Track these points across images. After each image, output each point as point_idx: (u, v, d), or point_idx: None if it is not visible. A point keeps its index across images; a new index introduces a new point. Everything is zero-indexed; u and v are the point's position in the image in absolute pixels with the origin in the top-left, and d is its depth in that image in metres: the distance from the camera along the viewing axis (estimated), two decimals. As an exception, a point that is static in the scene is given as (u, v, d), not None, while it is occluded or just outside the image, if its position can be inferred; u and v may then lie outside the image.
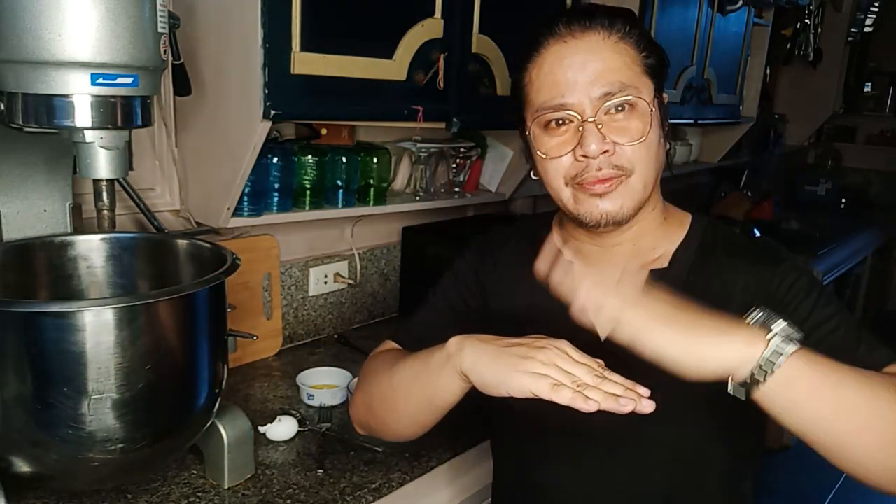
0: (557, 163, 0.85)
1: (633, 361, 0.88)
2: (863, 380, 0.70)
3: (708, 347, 0.69)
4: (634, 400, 0.69)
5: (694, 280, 0.89)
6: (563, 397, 0.70)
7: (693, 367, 0.69)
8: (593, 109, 0.81)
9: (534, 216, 1.09)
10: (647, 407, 0.69)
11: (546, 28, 0.85)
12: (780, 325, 0.69)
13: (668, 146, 0.89)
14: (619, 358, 0.88)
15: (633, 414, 0.69)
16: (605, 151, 0.82)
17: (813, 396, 0.68)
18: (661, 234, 0.92)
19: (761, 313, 0.71)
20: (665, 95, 0.89)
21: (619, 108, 0.82)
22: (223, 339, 1.00)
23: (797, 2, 2.96)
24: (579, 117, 0.82)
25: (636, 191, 0.84)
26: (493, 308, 1.01)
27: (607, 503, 0.93)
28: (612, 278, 0.74)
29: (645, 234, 0.91)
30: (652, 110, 0.84)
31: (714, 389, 0.85)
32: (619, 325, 0.71)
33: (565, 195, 0.87)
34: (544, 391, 0.71)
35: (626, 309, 0.71)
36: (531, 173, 0.93)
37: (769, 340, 0.68)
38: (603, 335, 0.89)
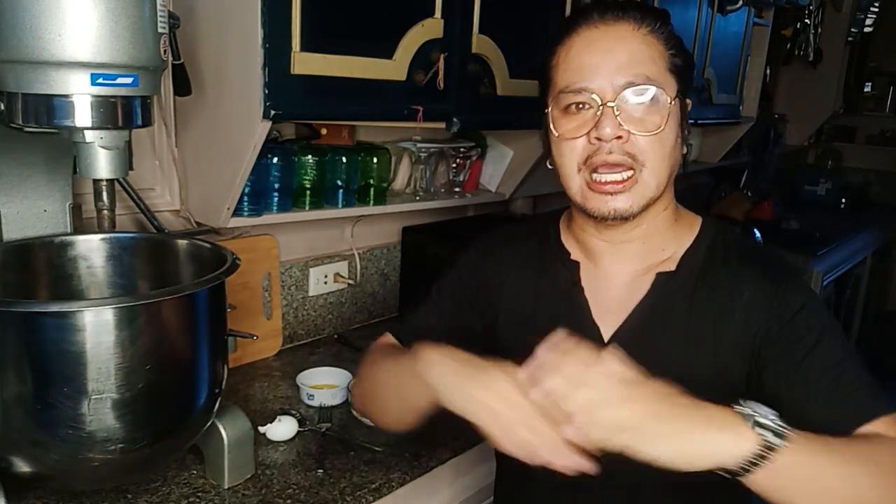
0: (572, 145, 0.85)
1: (638, 360, 0.88)
2: (843, 462, 0.72)
3: (698, 445, 0.70)
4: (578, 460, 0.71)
5: (701, 285, 0.89)
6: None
7: (684, 465, 0.70)
8: (613, 95, 0.82)
9: (541, 215, 1.08)
10: (588, 469, 0.71)
11: (580, 14, 0.86)
12: (768, 421, 0.70)
13: (684, 149, 0.90)
14: (624, 356, 0.88)
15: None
16: (619, 137, 0.82)
17: (794, 482, 0.70)
18: (671, 235, 0.92)
19: (748, 408, 0.71)
20: (688, 101, 0.90)
21: (639, 100, 0.83)
22: (223, 339, 1.00)
23: (797, 2, 2.96)
24: (599, 101, 0.82)
25: (648, 187, 0.85)
26: (495, 308, 1.01)
27: (606, 499, 0.93)
28: (589, 380, 0.72)
29: (654, 234, 0.91)
30: (671, 105, 0.84)
31: (712, 387, 0.86)
32: (612, 436, 0.70)
33: (576, 183, 0.87)
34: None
35: (617, 409, 0.71)
36: (547, 162, 0.93)
37: (758, 436, 0.69)
38: (607, 336, 0.89)
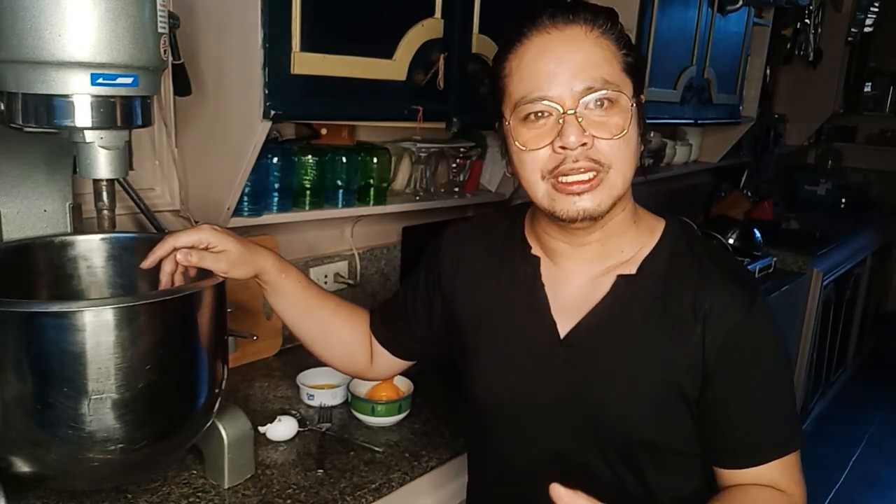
0: (535, 155, 0.84)
1: (591, 358, 0.89)
2: None
3: None
4: None
5: (661, 292, 0.89)
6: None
7: None
8: (573, 102, 0.81)
9: (508, 209, 1.08)
10: None
11: (529, 20, 0.84)
12: None
13: (642, 147, 0.89)
14: (578, 354, 0.90)
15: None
16: (584, 144, 0.81)
17: None
18: (629, 236, 0.91)
19: None
20: (643, 97, 0.89)
21: (600, 104, 0.82)
22: (223, 339, 1.00)
23: (797, 2, 2.96)
24: (559, 109, 0.81)
25: (615, 186, 0.84)
26: (456, 302, 1.02)
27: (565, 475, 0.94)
28: None
29: (613, 236, 0.90)
30: (633, 106, 0.84)
31: (662, 393, 0.87)
32: None
33: (540, 190, 0.86)
34: None
35: None
36: (506, 170, 0.93)
37: None
38: (563, 332, 0.90)
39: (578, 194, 0.83)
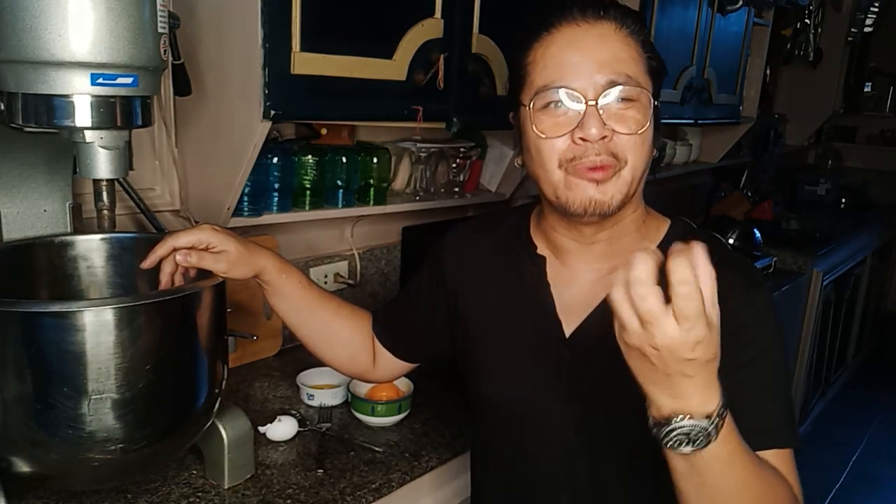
0: (553, 143, 0.84)
1: (596, 358, 0.88)
2: (760, 484, 0.74)
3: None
4: None
5: (665, 287, 0.88)
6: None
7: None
8: (596, 94, 0.81)
9: (513, 208, 1.07)
10: None
11: (558, 10, 0.85)
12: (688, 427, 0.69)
13: (655, 152, 0.89)
14: (583, 354, 0.89)
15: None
16: (604, 137, 0.81)
17: (717, 478, 0.71)
18: (638, 237, 0.91)
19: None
20: (658, 104, 0.89)
21: (621, 98, 0.82)
22: (223, 339, 1.00)
23: (797, 2, 2.96)
24: (583, 100, 0.81)
25: (626, 183, 0.84)
26: (460, 302, 1.02)
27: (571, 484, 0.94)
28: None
29: (623, 236, 0.90)
30: (652, 105, 0.84)
31: None
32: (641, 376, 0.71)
33: (556, 178, 0.85)
34: None
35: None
36: (516, 160, 0.92)
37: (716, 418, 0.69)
38: (568, 332, 0.90)
39: (596, 182, 0.83)
